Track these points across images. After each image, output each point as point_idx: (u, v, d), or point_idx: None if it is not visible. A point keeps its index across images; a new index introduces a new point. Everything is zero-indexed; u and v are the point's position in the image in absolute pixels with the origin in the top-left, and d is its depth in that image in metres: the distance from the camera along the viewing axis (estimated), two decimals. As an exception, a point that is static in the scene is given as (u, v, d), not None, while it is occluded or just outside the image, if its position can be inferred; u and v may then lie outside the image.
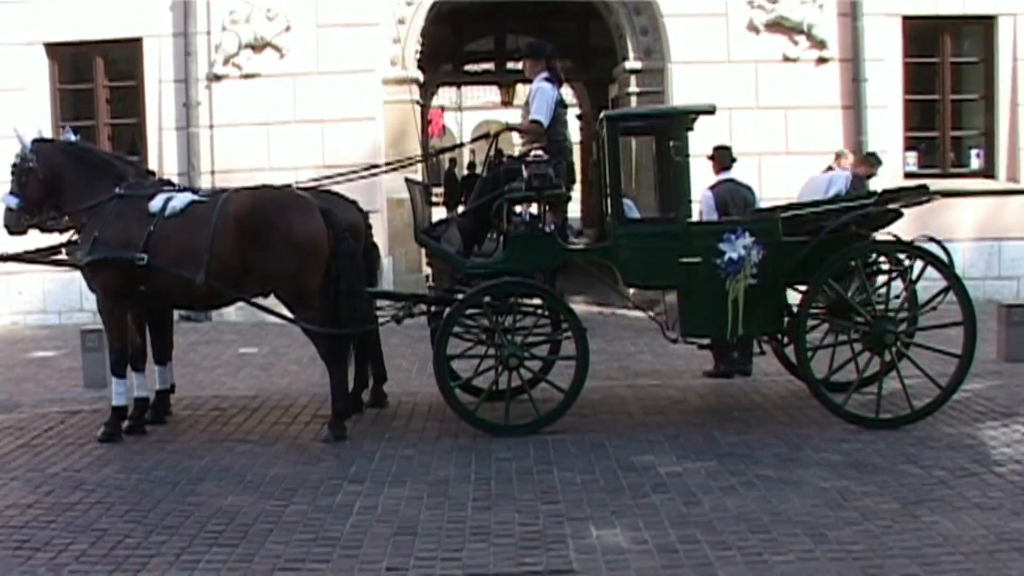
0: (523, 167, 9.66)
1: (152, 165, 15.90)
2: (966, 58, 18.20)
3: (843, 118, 17.23)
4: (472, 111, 47.00)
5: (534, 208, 10.22)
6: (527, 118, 10.11)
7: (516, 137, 14.29)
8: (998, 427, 9.37)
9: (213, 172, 17.08)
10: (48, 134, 11.21)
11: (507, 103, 30.44)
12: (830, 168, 14.24)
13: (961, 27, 18.05)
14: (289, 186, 10.38)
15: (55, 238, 10.70)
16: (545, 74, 10.12)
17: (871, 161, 14.43)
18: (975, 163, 17.98)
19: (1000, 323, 12.52)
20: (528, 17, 22.90)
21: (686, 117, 9.83)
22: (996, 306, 12.93)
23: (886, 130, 17.28)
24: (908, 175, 17.30)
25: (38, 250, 10.81)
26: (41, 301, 17.37)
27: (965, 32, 18.16)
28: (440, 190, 32.82)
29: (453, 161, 36.65)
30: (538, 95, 9.94)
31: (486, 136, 10.42)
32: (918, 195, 9.94)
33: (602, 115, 10.01)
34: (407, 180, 10.62)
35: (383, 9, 17.18)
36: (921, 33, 17.76)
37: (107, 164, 10.28)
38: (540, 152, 9.76)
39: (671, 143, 9.60)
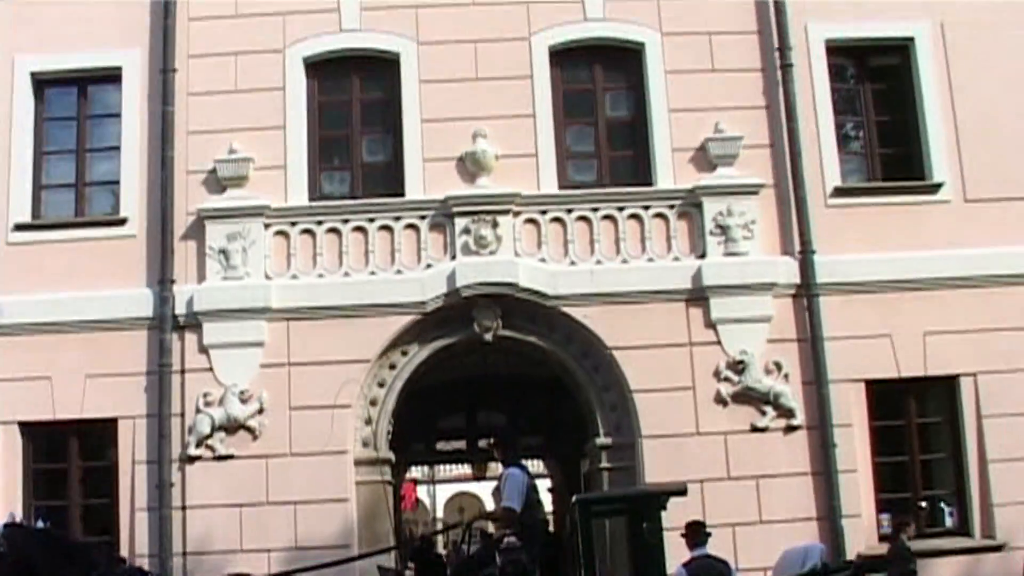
0: (496, 554, 9.69)
1: (123, 546, 15.77)
2: (931, 418, 18.38)
3: (814, 484, 17.26)
4: (445, 483, 46.91)
5: None
6: (499, 504, 10.19)
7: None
8: None
9: (185, 554, 16.71)
10: (19, 513, 11.18)
11: (479, 477, 30.49)
12: None
13: (924, 389, 18.32)
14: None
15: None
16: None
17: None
18: (949, 521, 17.87)
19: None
20: (499, 394, 23.17)
21: (657, 499, 9.93)
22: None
23: (858, 494, 17.32)
24: (883, 538, 17.21)
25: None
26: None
27: (928, 393, 18.40)
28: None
29: (424, 538, 36.27)
30: (509, 481, 10.06)
31: (460, 524, 10.45)
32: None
33: (574, 499, 10.12)
34: (380, 568, 10.62)
35: (355, 390, 17.40)
36: (885, 396, 17.99)
37: (78, 552, 10.26)
38: (513, 539, 9.80)
39: (644, 525, 9.66)
